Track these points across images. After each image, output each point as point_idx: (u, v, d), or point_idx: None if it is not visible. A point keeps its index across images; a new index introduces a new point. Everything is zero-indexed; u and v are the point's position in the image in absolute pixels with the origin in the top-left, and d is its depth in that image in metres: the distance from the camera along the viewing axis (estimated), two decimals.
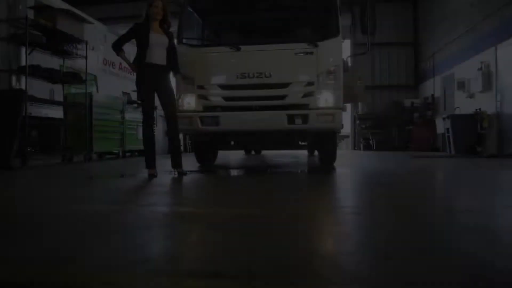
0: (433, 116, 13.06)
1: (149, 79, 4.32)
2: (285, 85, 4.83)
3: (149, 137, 4.40)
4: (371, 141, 13.78)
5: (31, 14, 6.12)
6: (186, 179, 4.11)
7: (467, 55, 10.41)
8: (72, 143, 7.51)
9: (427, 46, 13.76)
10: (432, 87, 13.36)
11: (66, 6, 6.94)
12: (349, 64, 5.67)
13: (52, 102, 6.97)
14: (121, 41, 4.43)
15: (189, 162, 6.27)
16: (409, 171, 5.40)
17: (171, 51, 4.46)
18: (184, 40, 5.26)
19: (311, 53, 4.80)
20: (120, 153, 8.72)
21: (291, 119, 4.72)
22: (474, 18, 9.94)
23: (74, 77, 6.95)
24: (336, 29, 4.97)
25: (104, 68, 9.81)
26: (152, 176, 4.28)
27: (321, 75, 4.80)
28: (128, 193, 3.19)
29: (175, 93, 4.69)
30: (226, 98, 4.98)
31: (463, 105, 10.52)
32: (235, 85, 4.95)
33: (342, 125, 5.13)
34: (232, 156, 8.24)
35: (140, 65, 4.33)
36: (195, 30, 5.85)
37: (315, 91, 4.80)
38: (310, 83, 4.81)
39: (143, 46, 4.30)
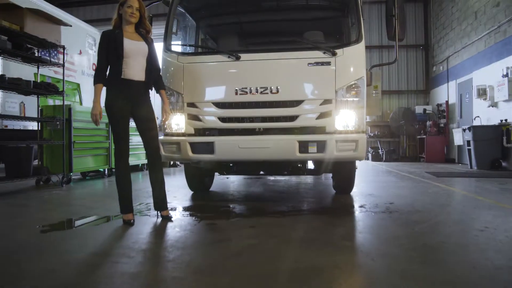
0: (447, 124, 12.13)
1: (124, 100, 3.39)
2: (296, 103, 3.90)
3: (122, 175, 3.45)
4: (380, 151, 12.84)
5: None
6: (171, 230, 3.16)
7: (489, 59, 9.48)
8: (48, 162, 6.58)
9: (441, 49, 12.83)
10: (446, 93, 12.44)
11: (37, 5, 6.00)
12: (372, 76, 4.73)
13: (17, 118, 6.01)
14: (102, 67, 3.40)
15: (179, 185, 5.34)
16: (464, 209, 4.48)
17: (151, 62, 3.53)
18: (171, 47, 4.32)
19: (328, 63, 3.87)
20: (106, 172, 7.77)
21: (303, 146, 3.79)
22: (499, 19, 9.01)
23: (48, 88, 6.01)
24: (359, 33, 4.03)
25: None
26: (128, 223, 3.35)
27: (341, 91, 3.86)
28: (81, 265, 2.25)
29: (157, 117, 3.74)
30: (223, 119, 4.04)
31: (484, 114, 9.59)
32: (233, 102, 4.01)
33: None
34: (231, 177, 7.29)
35: (112, 82, 3.40)
36: (186, 34, 4.91)
37: (333, 110, 3.87)
38: (327, 101, 3.88)
39: (116, 58, 3.36)
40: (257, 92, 3.93)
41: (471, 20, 10.49)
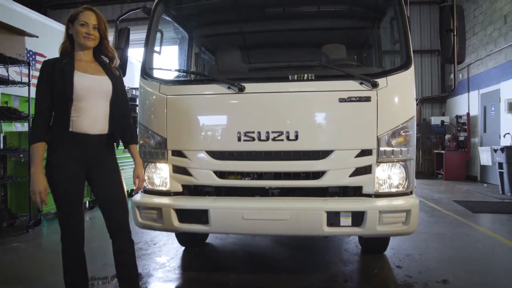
0: (468, 139, 11.03)
1: (75, 162, 2.32)
2: (322, 155, 2.80)
3: (73, 269, 2.36)
4: None
5: None
6: None
7: None
8: (14, 202, 5.48)
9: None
10: (465, 103, 11.34)
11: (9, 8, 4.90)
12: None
13: None
14: (43, 115, 2.30)
15: (165, 234, 4.22)
16: None
17: (118, 105, 2.45)
18: (152, 72, 3.22)
19: (368, 98, 2.77)
20: (88, 205, 6.65)
21: (333, 218, 2.69)
22: None
23: (7, 113, 4.91)
24: (406, 54, 2.94)
25: None
26: None
27: (385, 137, 2.76)
28: None
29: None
30: (221, 174, 2.94)
31: None
32: (235, 152, 2.91)
33: None
34: None
35: (56, 138, 2.31)
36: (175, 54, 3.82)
37: (374, 165, 2.78)
38: (365, 152, 2.78)
39: (63, 102, 2.28)
40: (267, 138, 2.83)
41: (499, 25, 9.39)
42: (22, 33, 4.93)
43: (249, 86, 2.90)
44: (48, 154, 2.31)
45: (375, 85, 2.77)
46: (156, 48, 3.44)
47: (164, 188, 3.03)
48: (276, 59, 4.53)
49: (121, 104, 2.50)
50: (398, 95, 2.83)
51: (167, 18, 3.87)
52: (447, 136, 11.48)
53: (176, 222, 2.87)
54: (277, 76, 2.99)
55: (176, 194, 3.04)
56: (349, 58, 3.41)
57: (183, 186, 3.04)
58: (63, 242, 2.37)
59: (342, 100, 2.78)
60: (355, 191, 2.88)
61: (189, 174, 2.98)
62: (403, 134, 2.79)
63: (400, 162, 2.81)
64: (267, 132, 2.83)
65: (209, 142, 2.95)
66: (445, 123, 11.93)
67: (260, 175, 2.91)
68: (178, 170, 3.01)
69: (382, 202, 2.70)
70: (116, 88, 2.42)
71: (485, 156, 9.19)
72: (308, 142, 2.81)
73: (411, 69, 2.89)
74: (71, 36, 2.41)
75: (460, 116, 11.50)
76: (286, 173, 2.87)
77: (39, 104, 2.33)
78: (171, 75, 3.35)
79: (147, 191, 3.09)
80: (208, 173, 2.94)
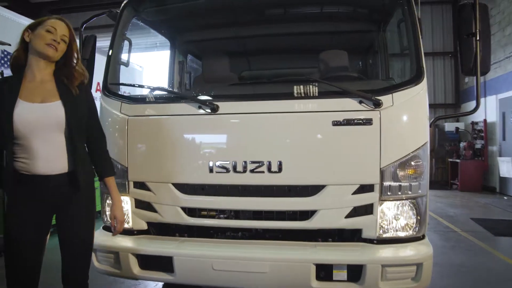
0: (485, 147, 10.31)
1: (32, 208, 1.91)
2: (311, 190, 2.28)
3: None
4: None
5: None
6: None
7: None
8: None
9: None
10: (483, 109, 10.60)
11: None
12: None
13: None
14: None
15: None
16: None
17: (78, 132, 1.97)
18: (115, 88, 2.74)
19: (368, 121, 2.23)
20: None
21: (324, 270, 2.15)
22: None
23: None
24: (418, 68, 2.39)
25: None
26: None
27: (390, 169, 2.22)
28: None
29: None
30: (191, 211, 2.44)
31: None
32: (207, 185, 2.40)
33: None
34: None
35: (8, 180, 1.89)
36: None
37: (377, 203, 2.24)
38: (365, 187, 2.24)
39: (4, 139, 1.85)
40: (245, 169, 2.31)
41: None
42: None
43: (224, 106, 2.39)
44: (6, 197, 1.87)
45: (377, 104, 2.23)
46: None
47: (125, 226, 2.53)
48: (269, 68, 4.03)
49: (82, 132, 2.01)
50: (407, 116, 2.29)
51: (141, 24, 3.40)
52: (462, 144, 10.76)
53: (136, 269, 2.37)
54: (256, 93, 2.46)
55: (140, 232, 2.55)
56: (352, 67, 2.87)
57: (148, 223, 2.55)
58: None
59: (336, 123, 2.24)
60: (354, 234, 2.34)
61: (154, 210, 2.48)
62: (413, 165, 2.24)
63: (410, 200, 2.26)
64: (244, 162, 2.31)
65: (176, 173, 2.44)
66: (460, 130, 11.23)
67: (237, 214, 2.40)
68: (141, 205, 2.52)
69: (386, 252, 2.15)
70: (73, 113, 1.92)
71: (505, 168, 8.50)
72: (294, 175, 2.29)
73: (423, 83, 2.34)
74: (27, 45, 1.93)
75: (476, 123, 10.78)
76: (268, 212, 2.35)
77: None
78: (138, 92, 2.85)
79: (107, 228, 2.60)
80: (176, 209, 2.44)
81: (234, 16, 3.45)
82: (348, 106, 2.27)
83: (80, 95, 2.01)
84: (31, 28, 1.95)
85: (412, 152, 2.23)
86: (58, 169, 1.91)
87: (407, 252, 2.16)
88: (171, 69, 4.06)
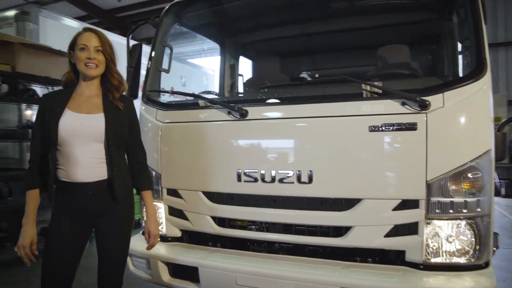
0: None
1: (73, 216, 1.98)
2: (346, 204, 2.03)
3: None
4: (498, 183, 9.74)
5: None
6: None
7: None
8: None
9: None
10: None
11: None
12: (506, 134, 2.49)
13: None
14: (35, 159, 1.99)
15: None
16: None
17: (117, 143, 2.01)
18: (153, 95, 2.77)
19: (411, 126, 1.91)
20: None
21: None
22: None
23: None
24: (478, 60, 1.98)
25: None
26: None
27: (439, 182, 1.88)
28: None
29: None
30: (220, 221, 2.36)
31: None
32: (235, 194, 2.30)
33: None
34: None
35: (53, 187, 1.98)
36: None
37: (423, 222, 1.91)
38: (408, 203, 1.93)
39: (49, 146, 1.94)
40: (273, 179, 2.15)
41: None
42: (64, 54, 4.97)
43: (252, 111, 2.26)
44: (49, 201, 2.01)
45: (424, 106, 1.90)
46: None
47: (160, 232, 2.55)
48: (321, 68, 3.79)
49: (121, 143, 2.05)
50: (463, 118, 1.91)
51: (187, 30, 3.44)
52: None
53: (165, 276, 2.36)
54: (283, 97, 2.27)
55: (175, 239, 2.54)
56: (406, 64, 2.51)
57: (181, 230, 2.53)
58: None
59: (373, 128, 1.97)
60: (398, 255, 2.04)
61: (185, 218, 2.46)
62: (469, 177, 1.87)
63: (466, 220, 1.89)
64: (273, 172, 2.15)
65: (206, 181, 2.37)
66: None
67: (266, 226, 2.25)
68: (174, 212, 2.51)
69: (431, 281, 1.81)
70: (112, 125, 1.97)
71: None
72: (326, 187, 2.06)
73: (486, 79, 1.93)
74: (74, 65, 2.05)
75: None
76: (299, 226, 2.16)
77: (31, 151, 2.04)
78: (174, 99, 2.86)
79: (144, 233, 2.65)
80: (205, 218, 2.37)
81: (281, 14, 3.30)
82: (389, 109, 1.97)
83: (124, 108, 2.06)
84: (71, 48, 2.03)
85: (468, 163, 1.86)
86: (96, 177, 1.95)
87: (460, 282, 1.79)
88: (222, 72, 4.03)
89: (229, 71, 4.08)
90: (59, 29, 6.31)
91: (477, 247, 1.88)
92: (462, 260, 1.89)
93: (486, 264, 1.91)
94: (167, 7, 2.99)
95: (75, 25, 6.49)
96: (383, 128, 1.95)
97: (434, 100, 1.91)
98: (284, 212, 2.16)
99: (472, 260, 1.89)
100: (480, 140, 1.90)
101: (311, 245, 2.20)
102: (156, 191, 2.53)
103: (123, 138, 2.05)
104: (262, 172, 2.17)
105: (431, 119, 1.89)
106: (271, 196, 2.19)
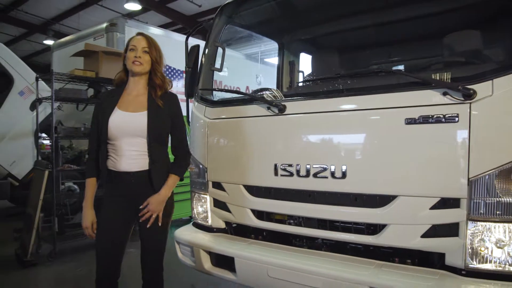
0: None
1: (120, 202, 2.24)
2: (380, 201, 1.94)
3: None
4: None
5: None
6: None
7: None
8: None
9: None
10: None
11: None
12: None
13: None
14: (93, 150, 2.29)
15: None
16: None
17: (158, 138, 2.23)
18: (201, 94, 2.94)
19: (452, 117, 1.75)
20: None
21: None
22: None
23: None
24: None
25: None
26: None
27: (484, 179, 1.69)
28: None
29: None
30: (259, 214, 2.43)
31: None
32: (273, 188, 2.34)
33: None
34: None
35: (104, 176, 2.26)
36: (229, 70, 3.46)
37: (464, 223, 1.73)
38: (448, 202, 1.77)
39: (102, 139, 2.23)
40: (308, 174, 2.15)
41: None
42: None
43: (290, 106, 2.28)
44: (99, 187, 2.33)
45: (468, 95, 1.73)
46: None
47: (206, 223, 2.71)
48: (382, 59, 3.59)
49: (161, 138, 2.26)
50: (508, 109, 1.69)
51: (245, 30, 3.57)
52: None
53: (207, 265, 2.50)
54: (322, 91, 2.23)
55: (219, 230, 2.68)
56: (473, 50, 2.26)
57: (225, 222, 2.66)
58: (96, 279, 2.32)
59: (410, 121, 1.84)
60: (439, 259, 1.88)
61: (228, 210, 2.57)
62: None
63: None
64: (308, 166, 2.15)
65: (246, 175, 2.46)
66: None
67: (301, 220, 2.25)
68: (218, 204, 2.64)
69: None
70: (153, 123, 2.20)
71: None
72: (359, 182, 1.99)
73: None
74: (126, 67, 2.36)
75: None
76: (333, 222, 2.12)
77: (89, 145, 2.36)
78: (224, 96, 2.99)
79: (195, 224, 2.84)
80: (245, 211, 2.46)
81: (332, 8, 3.24)
82: (429, 99, 1.83)
83: (166, 106, 2.27)
84: (125, 51, 2.31)
85: None
86: (138, 167, 2.19)
87: None
88: (280, 69, 4.07)
89: (288, 68, 4.12)
90: None
91: None
92: (510, 268, 1.67)
93: None
94: (219, 9, 3.14)
95: (157, 32, 7.11)
96: (421, 120, 1.81)
97: (481, 88, 1.72)
98: (318, 207, 2.14)
99: None
100: None
101: (352, 243, 2.14)
102: (203, 184, 2.70)
103: (163, 134, 2.26)
104: (298, 166, 2.18)
105: (476, 109, 1.71)
106: (306, 191, 2.18)
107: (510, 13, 2.04)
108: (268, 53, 9.15)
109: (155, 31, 7.30)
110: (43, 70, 9.24)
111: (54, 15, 13.33)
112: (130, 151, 2.19)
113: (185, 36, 3.16)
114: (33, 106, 5.80)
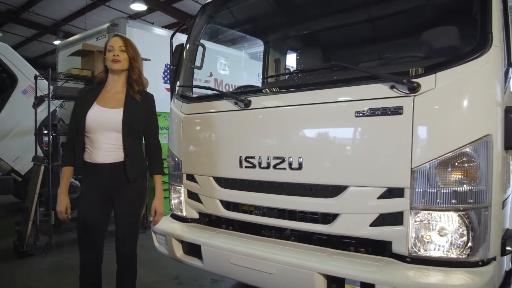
0: None
1: (96, 191, 2.37)
2: (333, 191, 2.01)
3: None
4: None
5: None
6: None
7: None
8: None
9: None
10: None
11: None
12: None
13: None
14: (71, 142, 2.44)
15: None
16: None
17: (132, 132, 2.38)
18: (179, 90, 3.04)
19: (396, 110, 1.81)
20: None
21: (335, 284, 1.87)
22: None
23: None
24: (483, 34, 1.78)
25: None
26: None
27: (425, 169, 1.74)
28: None
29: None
30: (227, 204, 2.52)
31: None
32: (238, 180, 2.44)
33: None
34: None
35: (81, 167, 2.39)
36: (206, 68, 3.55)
37: (408, 212, 1.80)
38: (393, 191, 1.83)
39: (79, 132, 2.36)
40: (268, 165, 2.24)
41: None
42: (141, 59, 5.62)
43: (256, 101, 2.37)
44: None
45: (412, 88, 1.79)
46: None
47: (181, 214, 2.82)
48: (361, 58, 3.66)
49: (136, 133, 2.41)
50: (456, 100, 1.74)
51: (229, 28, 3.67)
52: None
53: (179, 253, 2.61)
54: (279, 87, 2.31)
55: (194, 221, 2.79)
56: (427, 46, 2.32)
57: (199, 213, 2.76)
58: (80, 265, 2.45)
59: (359, 114, 1.91)
60: (389, 248, 1.95)
61: (200, 201, 2.68)
62: (461, 165, 1.70)
63: (458, 212, 1.72)
64: (268, 158, 2.23)
65: (216, 167, 2.56)
66: None
67: (264, 211, 2.33)
68: (192, 195, 2.75)
69: (405, 274, 1.70)
70: (128, 118, 2.33)
71: None
72: (314, 173, 2.07)
73: (490, 55, 1.73)
74: (106, 67, 2.49)
75: None
76: (291, 212, 2.20)
77: (67, 136, 2.55)
78: (200, 93, 3.10)
79: (173, 215, 2.95)
80: (215, 202, 2.56)
81: (302, 7, 3.33)
82: (377, 93, 1.90)
83: (142, 102, 2.42)
84: (104, 53, 2.44)
85: (459, 149, 1.69)
86: (113, 159, 2.33)
87: (439, 278, 1.65)
88: (264, 67, 4.16)
89: (272, 65, 4.20)
90: (143, 37, 7.12)
91: (470, 243, 1.70)
92: (452, 255, 1.73)
93: (484, 263, 1.71)
94: (200, 8, 3.24)
95: (158, 32, 7.27)
96: (368, 113, 1.88)
97: (425, 81, 1.78)
98: (278, 197, 2.22)
99: (464, 256, 1.71)
100: (476, 124, 1.71)
101: (318, 234, 2.19)
102: (178, 177, 2.81)
103: (138, 130, 2.40)
104: (259, 158, 2.27)
105: (419, 102, 1.77)
106: (268, 182, 2.27)
107: (454, 11, 2.09)
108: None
109: (158, 32, 7.47)
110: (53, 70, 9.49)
111: (64, 16, 13.66)
112: (105, 144, 2.33)
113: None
114: (39, 104, 6.02)
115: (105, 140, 2.32)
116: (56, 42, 14.06)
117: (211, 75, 9.15)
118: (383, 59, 3.33)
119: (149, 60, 5.84)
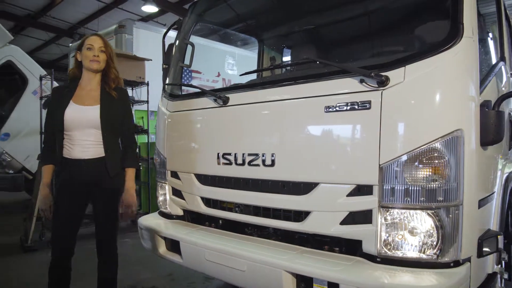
0: None
1: (74, 186, 2.40)
2: (304, 188, 1.97)
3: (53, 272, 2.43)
4: None
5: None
6: None
7: None
8: (144, 202, 6.39)
9: None
10: None
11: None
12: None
13: None
14: (49, 139, 2.49)
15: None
16: None
17: (110, 129, 2.42)
18: (167, 88, 3.05)
19: (364, 104, 1.76)
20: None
21: (303, 283, 1.82)
22: None
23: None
24: (454, 24, 1.71)
25: None
26: None
27: (394, 166, 1.68)
28: None
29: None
30: (207, 201, 2.51)
31: None
32: (217, 176, 2.42)
33: None
34: None
35: (59, 163, 2.43)
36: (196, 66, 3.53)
37: (377, 209, 1.74)
38: (362, 189, 1.78)
39: (57, 130, 2.39)
40: (244, 162, 2.21)
41: None
42: (142, 59, 5.69)
43: (233, 98, 2.35)
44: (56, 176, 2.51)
45: (380, 82, 1.73)
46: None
47: (166, 211, 2.83)
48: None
49: (114, 129, 2.45)
50: (425, 93, 1.68)
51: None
52: None
53: (161, 249, 2.60)
54: (252, 84, 2.29)
55: (178, 217, 2.79)
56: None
57: (183, 210, 2.76)
58: (52, 256, 2.51)
59: (329, 109, 1.87)
60: (350, 251, 1.90)
61: (183, 197, 2.68)
62: (429, 162, 1.63)
63: (428, 211, 1.65)
64: (243, 155, 2.21)
65: (196, 164, 2.55)
66: None
67: (240, 208, 2.31)
68: (176, 192, 2.75)
69: (376, 275, 1.64)
70: (106, 115, 2.38)
71: None
72: (286, 170, 2.04)
73: (461, 47, 1.66)
74: (80, 63, 2.54)
75: None
76: (265, 209, 2.17)
77: (45, 135, 2.60)
78: (186, 91, 3.10)
79: (160, 212, 2.96)
80: (196, 198, 2.56)
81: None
82: (347, 88, 1.85)
83: (118, 99, 2.46)
84: (79, 49, 2.48)
85: (427, 144, 1.63)
86: (91, 155, 2.38)
87: (404, 278, 1.58)
88: (260, 65, 4.13)
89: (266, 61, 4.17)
90: (150, 38, 7.21)
91: (440, 243, 1.63)
92: (422, 256, 1.66)
93: (456, 264, 1.64)
94: (189, 7, 3.25)
95: (169, 34, 7.31)
96: (337, 108, 1.84)
97: (394, 75, 1.72)
98: (253, 194, 2.19)
99: (433, 257, 1.64)
100: (445, 118, 1.64)
101: (298, 232, 2.15)
102: (163, 174, 2.82)
103: (116, 125, 2.44)
104: (235, 155, 2.25)
105: (387, 96, 1.71)
106: (243, 179, 2.25)
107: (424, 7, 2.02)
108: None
109: (163, 31, 7.49)
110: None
111: (79, 19, 13.98)
112: (84, 140, 2.37)
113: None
114: (45, 105, 6.19)
115: (84, 137, 2.36)
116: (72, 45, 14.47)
117: (218, 75, 9.19)
118: (376, 55, 3.26)
119: (151, 60, 5.92)
